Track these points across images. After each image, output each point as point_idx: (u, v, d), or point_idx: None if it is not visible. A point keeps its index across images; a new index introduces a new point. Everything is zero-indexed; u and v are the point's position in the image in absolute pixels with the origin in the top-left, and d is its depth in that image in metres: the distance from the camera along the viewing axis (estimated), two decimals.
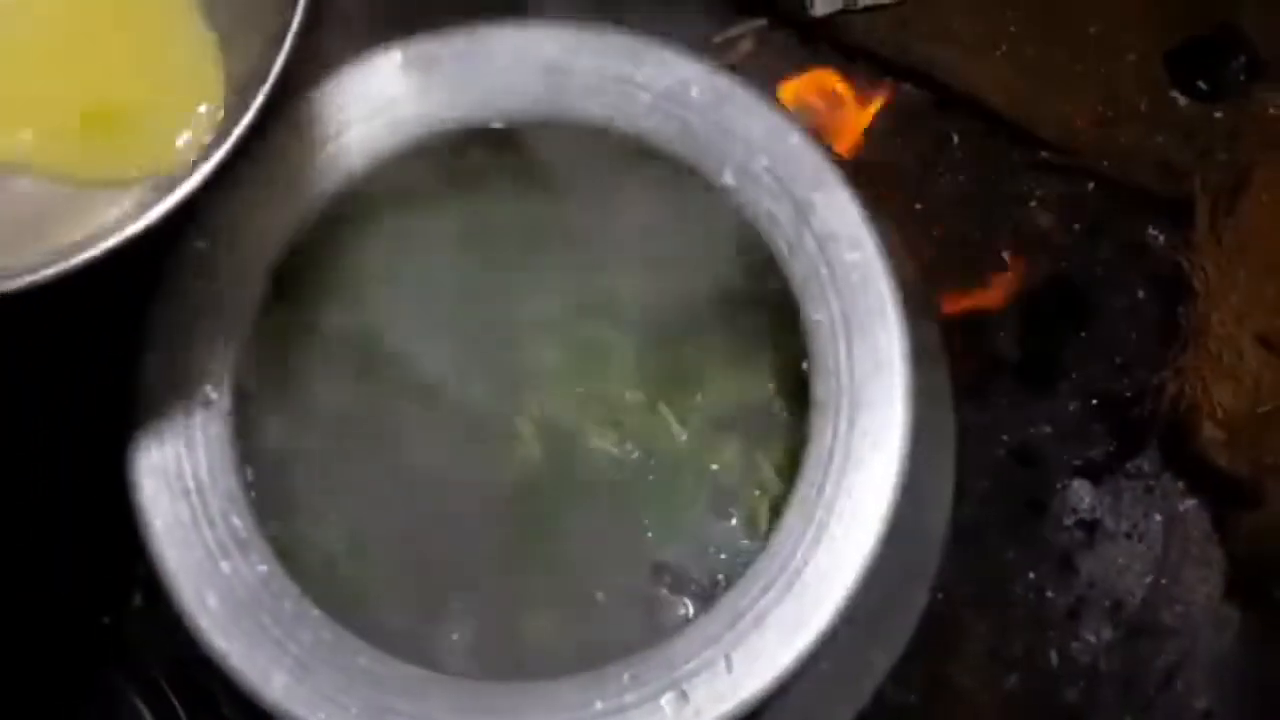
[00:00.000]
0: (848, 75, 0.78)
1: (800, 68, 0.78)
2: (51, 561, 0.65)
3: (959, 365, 0.69)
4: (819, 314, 0.58)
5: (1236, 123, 0.75)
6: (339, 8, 0.62)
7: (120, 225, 0.49)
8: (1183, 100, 0.76)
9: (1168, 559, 0.71)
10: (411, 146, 0.61)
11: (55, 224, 0.51)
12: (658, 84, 0.60)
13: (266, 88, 0.49)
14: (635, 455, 0.62)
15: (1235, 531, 0.71)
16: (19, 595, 0.65)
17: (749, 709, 0.54)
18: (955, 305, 0.74)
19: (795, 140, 0.60)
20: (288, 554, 0.57)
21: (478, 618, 0.59)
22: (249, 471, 0.58)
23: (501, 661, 0.58)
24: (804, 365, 0.58)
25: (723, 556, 0.59)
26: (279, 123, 0.59)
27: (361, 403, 0.61)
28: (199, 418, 0.57)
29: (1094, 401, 0.73)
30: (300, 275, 0.61)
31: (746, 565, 0.56)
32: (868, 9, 0.77)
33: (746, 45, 0.78)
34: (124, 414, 0.58)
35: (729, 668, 0.54)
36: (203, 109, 0.52)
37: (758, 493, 0.61)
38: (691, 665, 0.54)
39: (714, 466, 0.61)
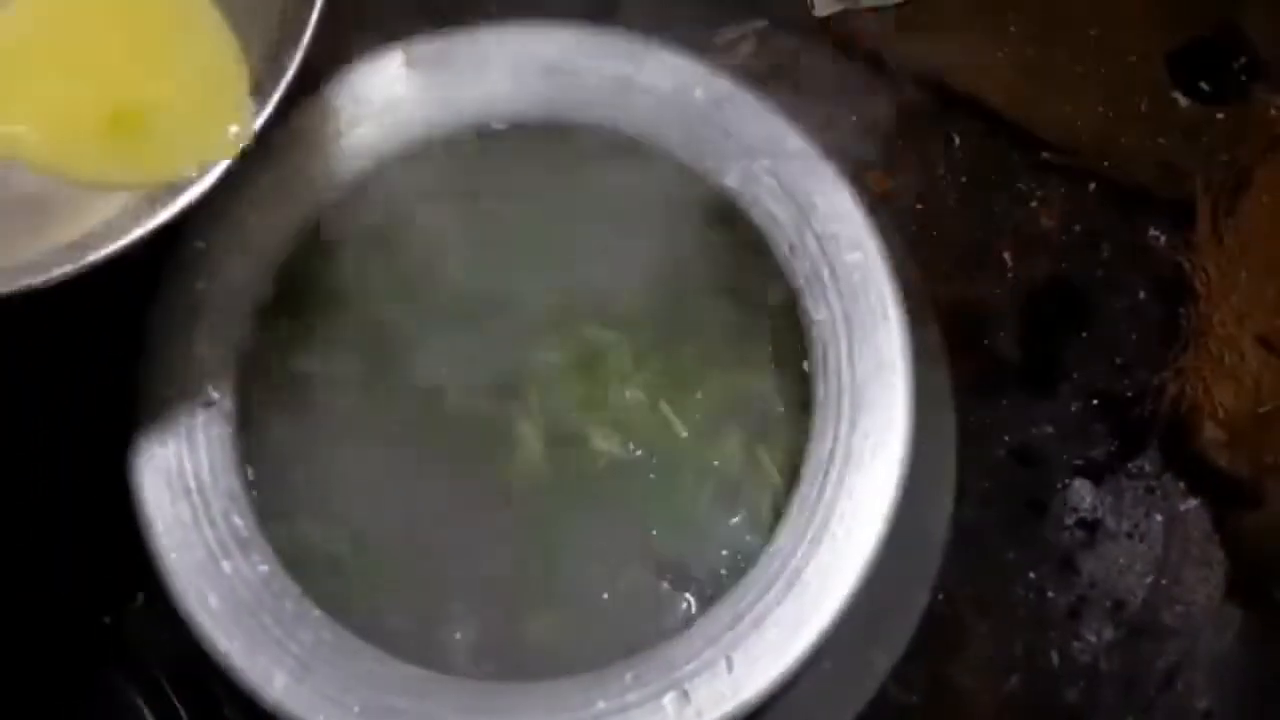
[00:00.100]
0: (848, 75, 0.78)
1: (801, 68, 0.78)
2: (52, 561, 0.65)
3: (959, 365, 0.69)
4: (820, 314, 0.58)
5: (1237, 123, 0.75)
6: (339, 8, 0.62)
7: (121, 222, 0.49)
8: (1184, 101, 0.76)
9: (1168, 559, 0.71)
10: (412, 147, 0.61)
11: (54, 220, 0.51)
12: (659, 85, 0.60)
13: (281, 89, 0.49)
14: (637, 454, 0.62)
15: (1236, 532, 0.71)
16: (19, 595, 0.64)
17: (750, 709, 0.54)
18: (955, 305, 0.74)
19: (796, 141, 0.60)
20: (289, 554, 0.57)
21: (480, 618, 0.59)
22: (250, 471, 0.58)
23: (503, 661, 0.58)
24: (805, 365, 0.58)
25: (724, 553, 0.59)
26: (279, 123, 0.59)
27: (363, 403, 0.61)
28: (200, 418, 0.57)
29: (1095, 402, 0.73)
30: (301, 276, 0.61)
31: (749, 561, 0.56)
32: (869, 9, 0.77)
33: (747, 46, 0.78)
34: (125, 414, 0.58)
35: (730, 668, 0.54)
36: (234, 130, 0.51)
37: (760, 488, 0.61)
38: (693, 665, 0.54)
39: (715, 463, 0.61)
